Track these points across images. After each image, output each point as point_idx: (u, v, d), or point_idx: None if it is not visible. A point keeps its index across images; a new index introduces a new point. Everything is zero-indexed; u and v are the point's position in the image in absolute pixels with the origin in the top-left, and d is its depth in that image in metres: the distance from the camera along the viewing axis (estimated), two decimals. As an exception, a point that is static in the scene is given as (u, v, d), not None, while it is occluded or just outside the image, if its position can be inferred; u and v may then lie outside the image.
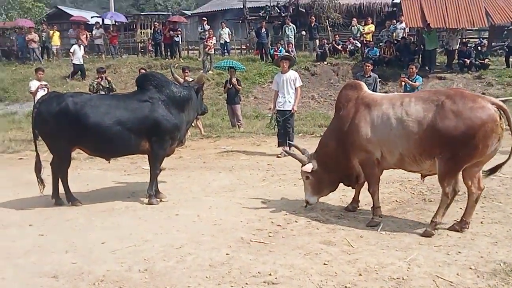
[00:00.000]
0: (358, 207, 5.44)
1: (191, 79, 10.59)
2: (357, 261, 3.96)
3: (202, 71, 7.91)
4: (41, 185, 5.79)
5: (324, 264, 3.93)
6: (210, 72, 16.73)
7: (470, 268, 3.72)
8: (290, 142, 6.15)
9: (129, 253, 4.28)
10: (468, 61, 15.52)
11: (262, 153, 9.02)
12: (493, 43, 17.65)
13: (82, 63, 16.75)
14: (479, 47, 16.71)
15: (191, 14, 31.49)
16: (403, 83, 10.43)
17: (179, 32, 19.84)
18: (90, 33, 20.31)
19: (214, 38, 17.93)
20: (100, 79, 11.13)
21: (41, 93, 9.73)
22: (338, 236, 4.56)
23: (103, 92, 10.75)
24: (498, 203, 5.34)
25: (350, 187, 5.50)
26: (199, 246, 4.40)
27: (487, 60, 15.67)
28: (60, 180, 5.83)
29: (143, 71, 11.55)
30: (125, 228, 4.93)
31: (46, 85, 10.75)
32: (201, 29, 18.99)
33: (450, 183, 4.48)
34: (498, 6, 16.37)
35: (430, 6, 16.45)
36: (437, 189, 6.08)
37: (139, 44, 23.99)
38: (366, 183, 5.15)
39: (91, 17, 25.85)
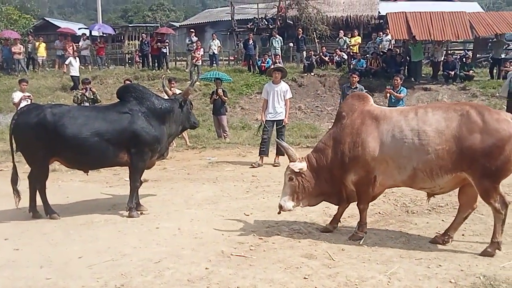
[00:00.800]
0: (337, 227, 5.09)
1: (177, 90, 10.59)
2: (338, 274, 3.91)
3: (189, 84, 7.86)
4: (17, 197, 5.67)
5: (305, 278, 3.87)
6: (197, 83, 16.72)
7: (450, 281, 3.69)
8: (277, 140, 5.97)
9: (106, 267, 4.18)
10: (453, 73, 15.74)
11: (248, 164, 8.96)
12: (477, 55, 17.91)
13: (78, 75, 16.62)
14: (463, 59, 16.99)
15: (179, 25, 31.61)
16: (388, 95, 10.51)
17: (167, 44, 19.90)
18: (77, 44, 20.24)
19: (202, 49, 17.98)
20: (84, 90, 11.08)
21: (24, 104, 9.60)
22: (320, 249, 4.51)
23: (87, 103, 10.68)
24: (480, 215, 5.33)
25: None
26: (179, 260, 4.32)
27: (471, 71, 15.89)
28: (38, 192, 5.72)
29: (128, 82, 11.48)
30: (104, 242, 4.83)
31: (30, 96, 10.62)
32: (189, 40, 19.07)
33: (496, 199, 4.16)
34: (482, 19, 16.69)
35: (415, 19, 16.71)
36: (420, 200, 6.11)
37: (127, 55, 23.95)
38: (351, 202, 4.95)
39: (79, 29, 25.82)
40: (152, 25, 30.33)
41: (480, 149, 4.08)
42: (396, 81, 10.58)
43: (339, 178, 4.75)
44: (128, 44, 25.06)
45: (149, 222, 5.52)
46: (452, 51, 18.94)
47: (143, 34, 21.33)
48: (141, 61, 20.51)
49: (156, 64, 19.26)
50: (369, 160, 4.47)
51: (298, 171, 4.77)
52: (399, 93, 10.43)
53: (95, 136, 5.50)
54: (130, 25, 30.35)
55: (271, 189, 6.96)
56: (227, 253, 4.46)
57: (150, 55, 19.48)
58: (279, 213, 4.98)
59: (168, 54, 20.39)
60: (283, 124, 8.94)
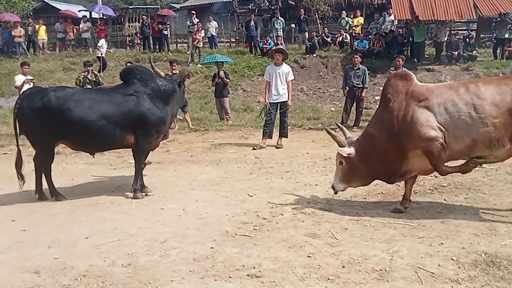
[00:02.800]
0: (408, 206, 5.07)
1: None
2: (341, 253, 3.96)
3: (185, 63, 7.88)
4: (21, 180, 5.71)
5: (308, 256, 3.92)
6: (199, 65, 16.69)
7: (452, 259, 3.73)
8: (338, 124, 5.94)
9: (113, 247, 4.24)
10: (456, 53, 15.64)
11: (250, 146, 8.99)
12: (481, 35, 17.76)
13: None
14: (467, 39, 16.85)
15: (180, 7, 31.33)
16: None
17: (168, 26, 19.79)
18: (77, 27, 20.12)
19: (202, 31, 17.88)
20: (86, 72, 11.06)
21: (26, 88, 9.61)
22: (323, 228, 4.56)
23: (89, 86, 10.67)
24: (482, 194, 5.37)
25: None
26: (184, 240, 4.37)
27: (475, 52, 15.80)
28: (44, 175, 5.77)
29: (129, 64, 11.46)
30: (109, 223, 4.89)
31: (32, 79, 10.64)
32: (189, 22, 18.95)
33: None
34: (486, -2, 16.45)
35: (418, -2, 16.49)
36: (422, 181, 6.14)
37: (127, 37, 23.81)
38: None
39: (79, 11, 25.58)
40: (153, 7, 30.05)
41: None
42: (398, 62, 10.55)
43: (396, 159, 4.74)
44: (129, 26, 24.89)
45: (154, 203, 5.57)
46: (455, 31, 18.78)
47: (143, 16, 21.22)
48: (142, 43, 20.39)
49: (157, 46, 19.18)
50: (425, 130, 4.51)
51: (346, 156, 4.89)
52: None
53: (102, 119, 5.50)
54: (130, 7, 30.08)
55: (274, 171, 7.00)
56: (231, 232, 4.51)
57: (151, 37, 19.37)
58: (335, 193, 5.17)
59: (169, 36, 20.28)
60: (287, 106, 8.95)
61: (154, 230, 4.65)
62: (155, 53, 18.63)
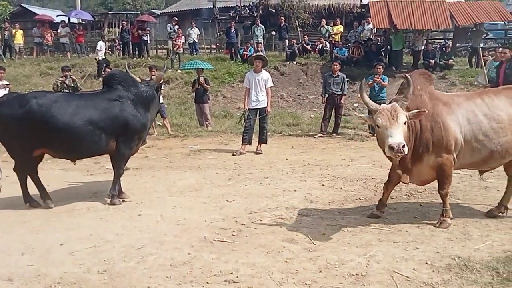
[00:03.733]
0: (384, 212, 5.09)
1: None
2: (318, 258, 3.99)
3: (162, 69, 7.88)
4: None
5: (286, 261, 3.94)
6: (179, 71, 16.66)
7: (426, 263, 3.80)
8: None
9: (88, 254, 4.19)
10: (433, 62, 15.96)
11: (230, 152, 8.99)
12: (457, 44, 18.14)
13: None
14: (443, 48, 17.18)
15: (160, 13, 31.22)
16: (373, 83, 10.65)
17: (148, 31, 19.68)
18: (55, 31, 19.87)
19: (183, 37, 17.86)
20: (64, 77, 10.93)
21: (1, 93, 9.43)
22: (301, 234, 4.58)
23: (67, 91, 10.53)
24: (456, 200, 5.48)
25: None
26: (161, 246, 4.34)
27: (451, 60, 16.13)
28: (19, 180, 5.63)
29: (108, 69, 11.38)
30: (85, 229, 4.82)
31: (8, 84, 10.46)
32: (170, 28, 18.91)
33: None
34: (461, 9, 16.87)
35: (396, 8, 16.80)
36: (398, 186, 6.20)
37: (107, 43, 23.59)
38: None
39: (57, 16, 25.30)
40: (133, 12, 29.91)
41: None
42: (378, 69, 10.71)
43: (417, 156, 4.55)
44: (108, 31, 24.68)
45: (131, 209, 5.52)
46: (432, 40, 19.15)
47: (123, 22, 21.04)
48: (121, 48, 20.26)
49: (137, 52, 19.05)
50: (451, 143, 4.49)
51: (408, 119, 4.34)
52: (383, 81, 10.61)
53: (87, 125, 5.38)
54: (110, 12, 29.84)
55: (253, 177, 7.01)
56: (209, 238, 4.50)
57: (130, 42, 19.24)
58: (397, 156, 4.18)
59: (149, 42, 20.18)
60: (266, 112, 8.99)
61: (131, 236, 4.60)
62: (135, 58, 18.50)
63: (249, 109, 8.89)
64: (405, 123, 4.18)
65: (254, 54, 9.51)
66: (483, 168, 4.98)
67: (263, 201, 5.69)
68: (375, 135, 10.75)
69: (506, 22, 20.97)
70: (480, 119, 4.57)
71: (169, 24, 19.74)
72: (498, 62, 10.46)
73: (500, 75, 9.25)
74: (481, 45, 16.91)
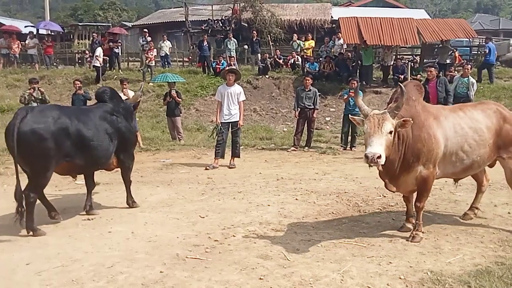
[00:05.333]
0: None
1: (130, 92, 10.43)
2: (293, 274, 3.95)
3: (138, 89, 7.86)
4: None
5: (260, 278, 3.89)
6: (151, 84, 16.53)
7: (400, 278, 3.81)
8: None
9: (56, 273, 4.03)
10: (402, 77, 16.28)
11: (203, 166, 8.91)
12: (424, 60, 18.62)
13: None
14: (412, 64, 17.59)
15: (132, 25, 31.04)
16: (348, 98, 10.84)
17: (119, 44, 19.48)
18: (23, 42, 19.43)
19: (155, 50, 17.77)
20: (32, 90, 10.66)
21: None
22: (275, 250, 4.54)
23: (35, 104, 10.28)
24: (427, 214, 5.55)
25: None
26: (132, 264, 4.23)
27: (419, 75, 16.49)
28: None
29: (78, 82, 11.18)
30: (53, 247, 4.65)
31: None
32: (142, 41, 18.78)
33: None
34: (428, 26, 17.40)
35: (366, 24, 17.20)
36: (371, 200, 6.30)
37: (76, 54, 23.25)
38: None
39: (25, 27, 24.78)
40: (104, 24, 29.65)
41: (510, 136, 4.93)
42: (353, 84, 10.91)
43: (406, 166, 4.53)
44: (78, 43, 24.33)
45: (101, 226, 5.37)
46: (401, 56, 19.62)
47: (93, 34, 20.79)
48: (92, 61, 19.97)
49: (108, 65, 18.81)
50: (438, 156, 4.59)
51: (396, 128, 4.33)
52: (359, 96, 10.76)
53: (102, 138, 5.53)
54: (80, 24, 29.47)
55: (227, 191, 6.95)
56: (182, 256, 4.41)
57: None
58: (371, 166, 4.22)
59: (120, 54, 19.97)
60: (238, 126, 8.97)
61: (101, 254, 4.47)
62: (106, 71, 18.26)
63: (221, 122, 8.86)
64: (390, 133, 4.20)
65: (227, 68, 9.50)
66: (461, 176, 5.21)
67: (236, 216, 5.64)
68: (347, 148, 10.95)
69: (470, 39, 21.78)
70: (466, 131, 4.77)
71: (141, 37, 19.61)
72: (466, 78, 10.83)
73: (431, 93, 9.74)
74: (448, 61, 17.45)
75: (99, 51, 16.96)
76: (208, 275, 3.96)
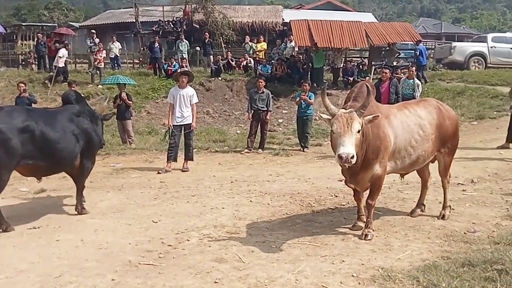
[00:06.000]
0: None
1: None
2: (248, 276, 3.95)
3: (104, 100, 7.90)
4: None
5: (215, 282, 3.86)
6: (100, 86, 16.11)
7: (353, 275, 3.89)
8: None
9: (1, 286, 3.83)
10: (351, 79, 16.73)
11: (155, 170, 8.75)
12: (373, 62, 19.19)
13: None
14: (361, 66, 18.08)
15: (79, 26, 30.11)
16: (299, 100, 11.02)
17: (66, 45, 18.83)
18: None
19: (104, 51, 17.33)
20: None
21: None
22: (230, 252, 4.52)
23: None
24: (377, 212, 5.69)
25: None
26: (82, 273, 4.08)
27: (367, 77, 16.98)
28: None
29: (22, 85, 10.72)
30: (-4, 259, 4.42)
31: None
32: (90, 42, 18.26)
33: (449, 172, 5.60)
34: (376, 29, 17.94)
35: (317, 27, 17.50)
36: (323, 200, 6.41)
37: (20, 56, 22.27)
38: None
39: (-37, 26, 23.51)
40: (49, 24, 28.56)
41: (450, 132, 5.28)
42: (305, 86, 11.08)
43: (366, 163, 4.60)
44: (22, 44, 23.33)
45: (48, 234, 5.15)
46: (350, 58, 20.12)
47: (38, 34, 19.99)
48: (37, 62, 19.19)
49: (54, 66, 18.14)
50: (389, 152, 4.76)
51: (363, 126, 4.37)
52: (310, 99, 10.98)
53: (66, 139, 5.51)
54: (23, 24, 28.25)
55: (180, 195, 6.86)
56: (134, 262, 4.30)
57: (47, 56, 18.29)
58: (344, 165, 4.28)
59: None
60: (191, 128, 8.89)
61: (48, 264, 4.28)
62: (52, 73, 17.60)
63: (173, 125, 8.75)
64: (359, 132, 4.27)
65: (180, 70, 9.36)
66: (409, 171, 5.40)
67: (190, 220, 5.57)
68: (302, 150, 11.07)
69: (415, 42, 22.66)
70: (412, 128, 4.98)
71: (89, 38, 19.05)
72: (411, 80, 11.26)
73: (383, 94, 10.14)
74: (395, 63, 18.07)
75: (62, 52, 16.42)
76: (162, 281, 3.89)
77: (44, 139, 5.24)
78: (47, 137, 5.27)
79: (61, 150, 5.42)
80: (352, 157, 4.08)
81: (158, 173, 8.51)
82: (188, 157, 8.95)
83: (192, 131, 8.98)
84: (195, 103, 8.98)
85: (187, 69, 8.97)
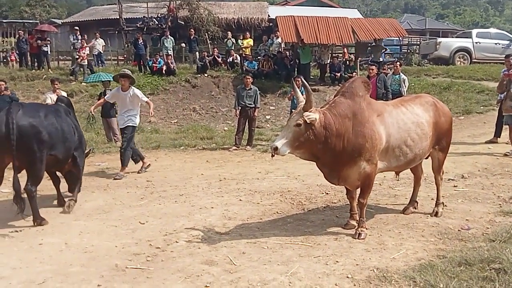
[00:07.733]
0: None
1: (63, 92, 9.87)
2: (240, 279, 3.82)
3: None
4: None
5: (206, 286, 3.72)
6: (83, 84, 15.81)
7: (347, 277, 3.79)
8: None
9: (-21, 295, 3.66)
10: (338, 74, 16.67)
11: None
12: (359, 58, 19.16)
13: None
14: (347, 62, 18.03)
15: (62, 23, 29.61)
16: (291, 96, 10.96)
17: (48, 42, 18.47)
18: None
19: (87, 48, 17.02)
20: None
21: None
22: (220, 254, 4.38)
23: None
24: (369, 210, 5.61)
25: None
26: (66, 279, 3.91)
27: (354, 73, 16.94)
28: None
29: (2, 83, 10.41)
30: (-25, 265, 4.22)
31: None
32: (73, 39, 17.92)
33: (443, 169, 5.56)
34: (362, 25, 17.90)
35: (303, 23, 17.40)
36: (314, 198, 6.31)
37: (1, 53, 21.78)
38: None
39: None
40: (31, 21, 28.04)
41: (445, 129, 5.24)
42: (297, 82, 10.91)
43: (347, 160, 4.55)
44: (2, 41, 22.83)
45: (31, 238, 4.95)
46: (336, 54, 20.08)
47: (20, 31, 19.53)
48: (18, 60, 18.78)
49: (36, 64, 17.78)
50: (380, 150, 4.67)
51: (309, 122, 4.37)
52: (302, 94, 10.87)
53: (69, 135, 5.81)
54: (4, 20, 27.67)
55: (168, 195, 6.70)
56: (121, 266, 4.14)
57: (29, 53, 17.91)
58: (273, 156, 4.58)
59: (49, 52, 18.93)
60: (130, 131, 8.32)
61: (31, 270, 4.10)
62: (34, 70, 17.25)
63: (120, 128, 8.49)
64: (298, 126, 4.37)
65: (120, 72, 8.74)
66: (403, 169, 5.34)
67: (179, 221, 5.42)
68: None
69: (400, 38, 22.72)
70: (409, 126, 4.87)
71: (72, 35, 18.68)
72: (397, 75, 11.24)
73: (371, 90, 10.09)
74: (381, 59, 18.06)
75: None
76: (150, 286, 3.74)
77: (61, 131, 5.62)
78: (62, 129, 5.65)
79: (69, 141, 5.79)
80: (275, 148, 4.35)
81: (138, 172, 8.32)
82: (123, 163, 8.29)
83: (133, 131, 8.41)
84: (146, 100, 8.47)
85: (127, 72, 8.24)
